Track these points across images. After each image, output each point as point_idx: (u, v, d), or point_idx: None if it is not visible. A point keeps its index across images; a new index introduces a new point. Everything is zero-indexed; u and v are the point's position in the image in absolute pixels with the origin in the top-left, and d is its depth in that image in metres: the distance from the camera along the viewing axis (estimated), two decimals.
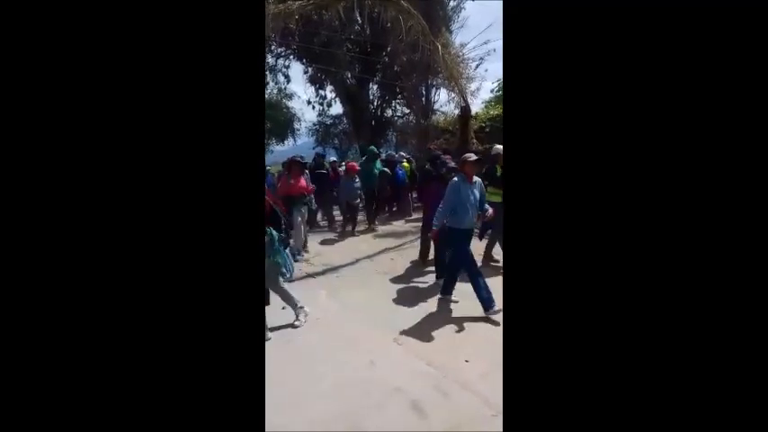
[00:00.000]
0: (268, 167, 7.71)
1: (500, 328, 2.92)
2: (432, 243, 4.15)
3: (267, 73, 11.99)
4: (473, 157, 3.23)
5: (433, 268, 4.30)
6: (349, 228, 6.38)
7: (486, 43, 11.08)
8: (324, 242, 5.90)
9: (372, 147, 7.35)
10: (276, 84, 13.91)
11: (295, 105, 16.35)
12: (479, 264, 3.69)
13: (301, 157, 5.42)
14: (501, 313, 2.94)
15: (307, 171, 5.30)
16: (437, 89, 9.57)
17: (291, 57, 12.30)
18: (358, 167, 6.36)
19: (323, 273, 4.47)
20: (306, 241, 5.27)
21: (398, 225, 6.68)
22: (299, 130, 16.63)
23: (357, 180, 6.19)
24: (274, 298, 3.04)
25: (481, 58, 9.16)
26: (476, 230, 3.73)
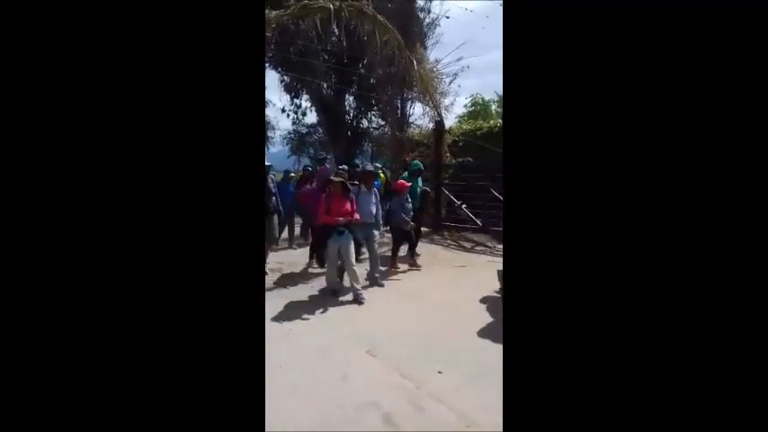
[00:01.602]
0: (291, 173, 6.77)
1: (473, 339, 2.95)
2: None
3: None
4: None
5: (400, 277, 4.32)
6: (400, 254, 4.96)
7: (459, 60, 11.39)
8: (298, 250, 5.80)
9: (417, 161, 5.74)
10: None
11: (269, 113, 16.15)
12: None
13: (349, 168, 4.67)
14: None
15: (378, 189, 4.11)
16: (412, 102, 9.73)
17: (267, 65, 12.23)
18: (408, 185, 5.01)
19: (295, 283, 4.39)
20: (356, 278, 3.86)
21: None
22: (272, 138, 16.45)
23: (410, 201, 4.91)
24: None
25: (455, 74, 9.40)
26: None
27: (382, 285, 4.27)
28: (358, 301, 3.74)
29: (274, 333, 2.98)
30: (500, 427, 1.02)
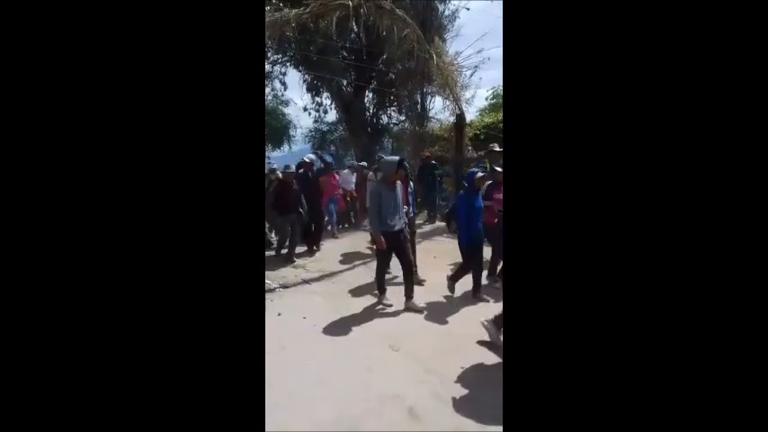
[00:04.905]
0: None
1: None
2: None
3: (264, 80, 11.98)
4: None
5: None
6: None
7: (479, 52, 11.20)
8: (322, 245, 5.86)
9: None
10: (272, 90, 13.97)
11: (291, 112, 16.35)
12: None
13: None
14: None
15: None
16: (432, 97, 9.65)
17: (288, 64, 12.36)
18: None
19: (319, 278, 4.46)
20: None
21: None
22: (294, 136, 16.68)
23: None
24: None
25: (476, 67, 9.24)
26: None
27: None
28: None
29: None
30: None
